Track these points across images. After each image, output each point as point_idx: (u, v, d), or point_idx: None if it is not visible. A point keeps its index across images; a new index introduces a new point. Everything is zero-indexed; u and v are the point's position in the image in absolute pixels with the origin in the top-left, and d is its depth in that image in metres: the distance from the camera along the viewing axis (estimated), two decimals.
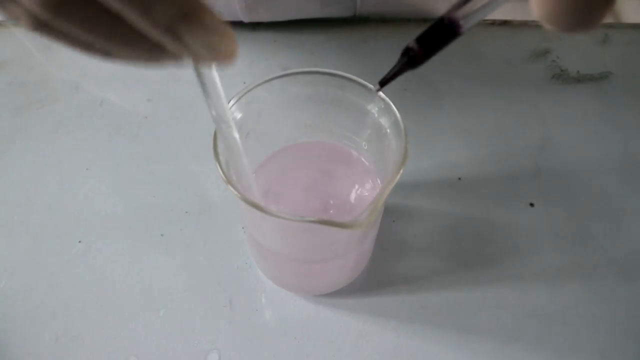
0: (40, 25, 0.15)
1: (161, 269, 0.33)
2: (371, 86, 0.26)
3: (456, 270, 0.33)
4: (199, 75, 0.18)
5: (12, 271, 0.33)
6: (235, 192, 0.22)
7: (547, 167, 0.39)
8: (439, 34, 0.19)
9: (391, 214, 0.36)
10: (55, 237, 0.35)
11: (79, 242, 0.35)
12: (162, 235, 0.35)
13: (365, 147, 0.30)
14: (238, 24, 0.49)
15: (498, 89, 0.45)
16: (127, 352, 0.30)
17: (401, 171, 0.22)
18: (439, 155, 0.40)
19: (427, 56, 0.20)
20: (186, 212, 0.36)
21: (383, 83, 0.23)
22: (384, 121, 0.26)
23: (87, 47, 0.16)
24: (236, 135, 0.22)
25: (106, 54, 0.16)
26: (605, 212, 0.37)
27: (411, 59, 0.20)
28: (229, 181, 0.22)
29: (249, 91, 0.26)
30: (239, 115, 0.26)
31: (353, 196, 0.29)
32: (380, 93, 0.25)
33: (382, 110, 0.26)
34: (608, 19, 0.53)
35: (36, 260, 0.34)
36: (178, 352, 0.30)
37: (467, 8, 0.17)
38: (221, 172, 0.23)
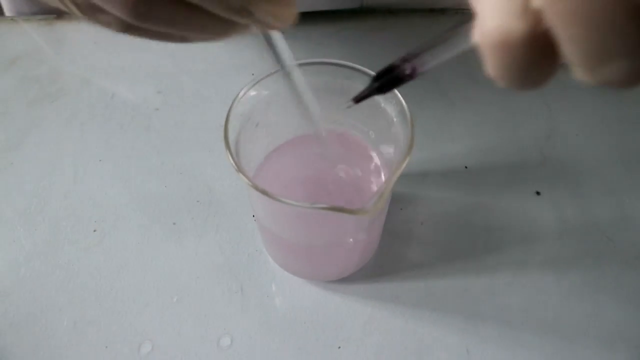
0: (128, 29, 0.17)
1: (174, 257, 0.34)
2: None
3: (463, 257, 0.34)
4: (267, 39, 0.21)
5: (30, 259, 0.34)
6: (246, 181, 0.23)
7: (553, 156, 0.39)
8: (394, 77, 0.19)
9: (399, 202, 0.36)
10: (71, 227, 0.36)
11: (94, 231, 0.35)
12: (174, 223, 0.36)
13: (373, 136, 0.30)
14: None
15: None
16: (142, 337, 0.31)
17: (408, 159, 0.23)
18: (445, 144, 0.40)
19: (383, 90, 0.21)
20: (197, 201, 0.37)
21: (358, 100, 0.23)
22: (390, 110, 0.26)
23: (167, 37, 0.18)
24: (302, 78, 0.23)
25: (183, 39, 0.18)
26: (611, 201, 0.37)
27: (382, 85, 0.21)
28: (240, 169, 0.23)
29: (258, 82, 0.27)
30: (248, 106, 0.27)
31: (361, 184, 0.30)
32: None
33: (389, 99, 0.26)
34: None
35: (53, 248, 0.35)
36: (191, 337, 0.31)
37: (424, 57, 0.18)
38: (232, 161, 0.23)
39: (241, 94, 0.26)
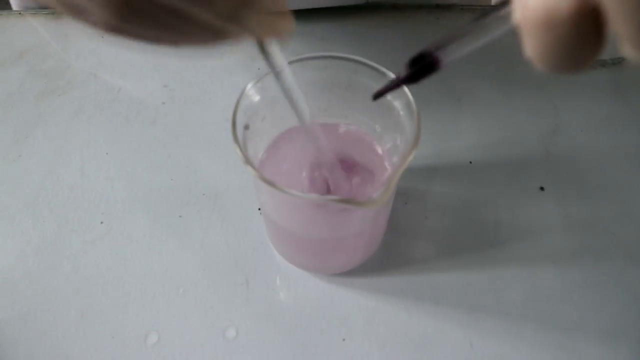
0: (114, 30, 0.16)
1: (180, 249, 0.34)
2: (384, 69, 0.26)
3: (466, 252, 0.34)
4: (262, 50, 0.20)
5: (38, 251, 0.34)
6: (254, 172, 0.23)
7: (558, 151, 0.40)
8: (428, 64, 0.19)
9: (403, 197, 0.37)
10: (78, 219, 0.36)
11: (101, 223, 0.36)
12: (180, 216, 0.36)
13: (379, 130, 0.31)
14: None
15: (510, 75, 0.46)
16: (149, 328, 0.31)
17: (413, 152, 0.23)
18: (450, 140, 0.40)
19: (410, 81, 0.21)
20: (203, 194, 0.37)
21: (377, 95, 0.23)
22: (397, 104, 0.26)
23: (156, 41, 0.17)
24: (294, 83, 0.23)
25: (174, 44, 0.17)
26: (614, 197, 0.37)
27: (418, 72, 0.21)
28: (247, 161, 0.23)
29: (264, 77, 0.27)
30: (255, 100, 0.27)
31: (366, 177, 0.30)
32: (393, 76, 0.26)
33: (395, 93, 0.26)
34: None
35: (61, 240, 0.35)
36: (197, 328, 0.31)
37: (454, 44, 0.18)
38: (240, 153, 0.23)
39: (248, 87, 0.26)
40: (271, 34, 0.18)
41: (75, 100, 0.44)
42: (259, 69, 0.45)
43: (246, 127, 0.25)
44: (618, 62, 0.46)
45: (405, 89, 0.25)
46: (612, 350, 0.30)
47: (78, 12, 0.16)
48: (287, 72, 0.22)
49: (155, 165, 0.39)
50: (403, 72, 0.20)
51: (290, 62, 0.27)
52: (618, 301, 0.32)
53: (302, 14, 0.50)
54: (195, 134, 0.41)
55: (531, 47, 0.14)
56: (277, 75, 0.21)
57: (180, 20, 0.16)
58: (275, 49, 0.20)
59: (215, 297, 0.32)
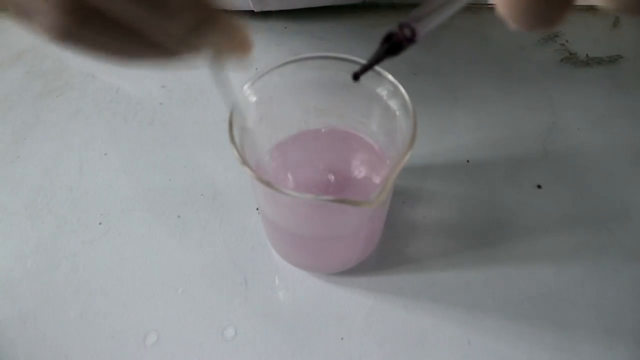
0: (64, 36, 0.15)
1: (178, 249, 0.35)
2: (380, 69, 0.26)
3: (464, 250, 0.34)
4: (214, 72, 0.19)
5: (37, 251, 0.35)
6: (251, 173, 0.23)
7: (555, 149, 0.40)
8: (395, 43, 0.20)
9: (401, 196, 0.37)
10: (77, 220, 0.36)
11: (100, 224, 0.36)
12: (178, 216, 0.36)
13: (375, 130, 0.31)
14: (249, 12, 0.49)
15: (506, 73, 0.46)
16: (148, 328, 0.31)
17: (410, 152, 0.23)
18: (447, 138, 0.41)
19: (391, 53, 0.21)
20: (201, 195, 0.37)
21: (358, 74, 0.23)
22: (393, 104, 0.26)
23: (108, 55, 0.16)
24: (248, 119, 0.23)
25: (127, 59, 0.17)
26: (612, 194, 0.37)
27: (393, 46, 0.21)
28: (245, 162, 0.23)
29: (261, 76, 0.27)
30: (252, 100, 0.27)
31: (363, 177, 0.30)
32: (389, 76, 0.26)
33: (392, 93, 0.26)
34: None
35: (59, 241, 0.35)
36: (196, 328, 0.31)
37: (423, 19, 0.18)
38: (237, 154, 0.24)
39: (245, 88, 0.26)
40: (228, 54, 0.17)
41: (74, 100, 0.44)
42: (256, 69, 0.45)
43: (243, 128, 0.25)
44: (615, 59, 0.47)
45: (402, 88, 0.25)
46: (610, 348, 0.30)
47: (27, 14, 0.15)
48: (240, 100, 0.21)
49: (154, 166, 0.39)
50: (381, 46, 0.21)
51: (287, 63, 0.27)
52: (616, 299, 0.32)
53: (301, 13, 0.50)
54: (194, 134, 0.41)
55: (502, 6, 0.14)
56: (228, 101, 0.21)
57: (130, 38, 0.15)
58: (228, 77, 0.19)
59: (214, 296, 0.32)
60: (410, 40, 0.19)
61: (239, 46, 0.17)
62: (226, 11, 0.16)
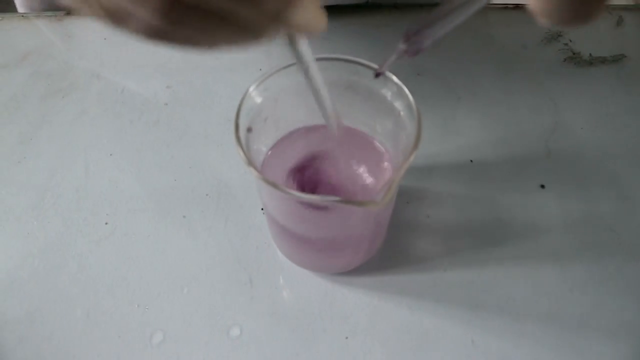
0: (157, 35, 0.16)
1: (184, 249, 0.35)
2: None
3: (468, 250, 0.34)
4: (293, 45, 0.21)
5: (44, 251, 0.35)
6: (256, 174, 0.23)
7: (558, 149, 0.40)
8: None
9: (405, 196, 0.37)
10: (83, 220, 0.37)
11: (106, 224, 0.36)
12: (184, 216, 0.36)
13: (380, 130, 0.31)
14: None
15: (510, 73, 0.46)
16: (154, 327, 0.31)
17: (415, 153, 0.23)
18: (450, 138, 0.41)
19: None
20: (207, 195, 0.37)
21: (379, 73, 0.24)
22: (397, 104, 0.27)
23: (195, 44, 0.17)
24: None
25: (211, 47, 0.17)
26: (615, 194, 0.37)
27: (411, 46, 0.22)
28: (250, 163, 0.23)
29: (266, 78, 0.27)
30: (258, 101, 0.27)
31: (368, 177, 0.30)
32: (394, 77, 0.26)
33: (396, 94, 0.26)
34: (626, 1, 0.53)
35: (66, 241, 0.35)
36: (202, 327, 0.31)
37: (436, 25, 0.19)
38: (242, 155, 0.24)
39: (251, 89, 0.26)
40: (306, 30, 0.18)
41: (79, 101, 0.45)
42: (260, 69, 0.46)
43: (249, 130, 0.25)
44: (618, 58, 0.47)
45: (406, 89, 0.25)
46: (614, 347, 0.30)
47: (120, 18, 0.16)
48: (314, 67, 0.22)
49: (159, 166, 0.39)
50: (401, 45, 0.21)
51: (292, 64, 0.28)
52: (619, 298, 0.32)
53: None
54: (199, 134, 0.42)
55: (536, 1, 0.14)
56: (305, 70, 0.22)
57: (224, 21, 0.16)
58: (304, 44, 0.21)
59: (219, 296, 0.33)
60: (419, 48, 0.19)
61: (316, 24, 0.18)
62: None
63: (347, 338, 0.31)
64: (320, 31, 0.19)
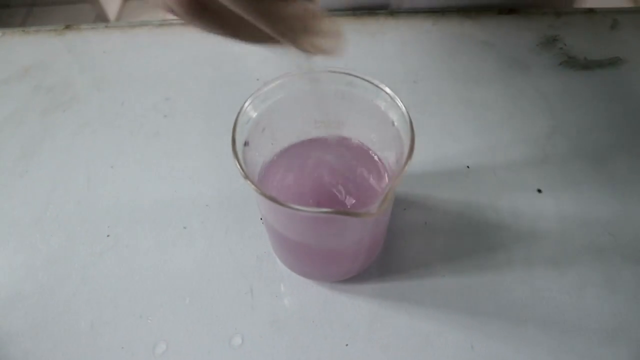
0: (192, 16, 0.19)
1: (185, 260, 0.35)
2: (377, 82, 0.27)
3: (466, 256, 0.35)
4: (303, 61, 0.22)
5: (48, 264, 0.35)
6: (253, 187, 0.23)
7: (555, 153, 0.40)
8: None
9: (402, 203, 0.37)
10: (85, 232, 0.37)
11: (107, 236, 0.37)
12: (184, 227, 0.37)
13: (375, 140, 0.31)
14: None
15: (506, 77, 0.46)
16: (157, 337, 0.32)
17: (409, 162, 0.24)
18: (447, 145, 0.41)
19: None
20: (207, 205, 0.38)
21: None
22: (391, 115, 0.27)
23: (221, 34, 0.20)
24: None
25: (235, 39, 0.20)
26: (611, 197, 0.37)
27: None
28: (247, 176, 0.24)
29: (264, 89, 0.28)
30: (253, 115, 0.28)
31: (364, 187, 0.31)
32: (387, 88, 0.26)
33: (390, 104, 0.27)
34: (620, 3, 0.53)
35: (69, 253, 0.36)
36: (204, 337, 0.32)
37: None
38: (239, 168, 0.24)
39: (248, 102, 0.27)
40: (320, 53, 0.20)
41: (80, 114, 0.45)
42: (257, 79, 0.46)
43: (246, 144, 0.26)
44: (614, 61, 0.47)
45: (398, 100, 0.26)
46: (613, 351, 0.31)
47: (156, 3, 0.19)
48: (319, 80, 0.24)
49: (159, 178, 0.40)
50: None
51: (287, 77, 0.28)
52: (617, 301, 0.32)
53: None
54: (198, 145, 0.42)
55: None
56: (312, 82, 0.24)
57: (243, 23, 0.18)
58: (311, 63, 0.22)
59: (220, 305, 0.33)
60: None
61: (332, 50, 0.20)
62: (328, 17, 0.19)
63: (347, 345, 0.31)
64: (337, 55, 0.20)
